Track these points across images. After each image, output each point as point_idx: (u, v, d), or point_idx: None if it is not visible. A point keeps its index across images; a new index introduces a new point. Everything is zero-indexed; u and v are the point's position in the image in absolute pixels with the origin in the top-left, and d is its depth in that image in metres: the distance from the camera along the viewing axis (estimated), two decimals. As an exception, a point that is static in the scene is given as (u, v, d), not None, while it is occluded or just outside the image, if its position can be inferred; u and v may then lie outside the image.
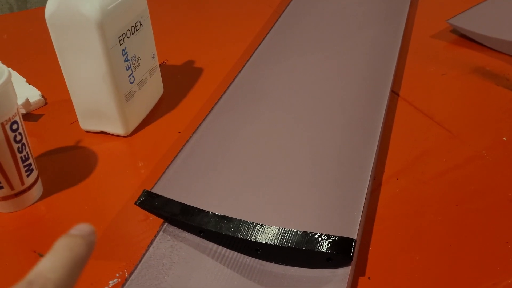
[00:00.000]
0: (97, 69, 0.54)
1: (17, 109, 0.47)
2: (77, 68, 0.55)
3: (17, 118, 0.46)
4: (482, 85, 0.66)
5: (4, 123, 0.45)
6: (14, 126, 0.46)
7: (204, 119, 0.56)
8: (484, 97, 0.64)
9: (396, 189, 0.50)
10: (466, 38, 0.78)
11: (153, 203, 0.45)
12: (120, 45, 0.55)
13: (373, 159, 0.49)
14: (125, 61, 0.56)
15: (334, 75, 0.64)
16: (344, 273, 0.40)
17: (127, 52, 0.56)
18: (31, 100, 0.65)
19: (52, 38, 0.53)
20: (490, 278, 0.41)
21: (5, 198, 0.49)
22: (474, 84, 0.67)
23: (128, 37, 0.56)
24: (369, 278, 0.41)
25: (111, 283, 0.42)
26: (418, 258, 0.43)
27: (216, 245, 0.43)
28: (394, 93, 0.65)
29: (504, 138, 0.56)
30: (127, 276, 0.41)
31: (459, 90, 0.66)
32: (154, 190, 0.46)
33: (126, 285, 0.39)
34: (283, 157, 0.50)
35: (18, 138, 0.47)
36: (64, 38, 0.53)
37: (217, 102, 0.59)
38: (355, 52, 0.69)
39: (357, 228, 0.42)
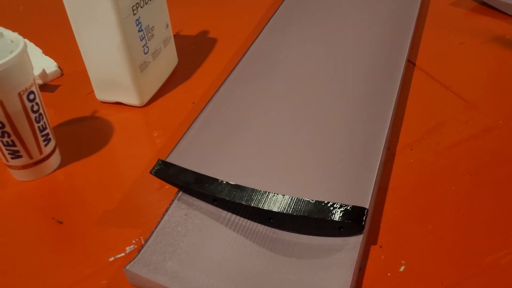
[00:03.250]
0: (111, 40, 0.54)
1: (34, 80, 0.47)
2: (92, 39, 0.55)
3: (33, 88, 0.47)
4: (502, 54, 0.65)
5: (21, 93, 0.45)
6: (31, 96, 0.47)
7: (217, 89, 0.56)
8: (503, 66, 0.63)
9: (410, 159, 0.50)
10: (486, 6, 0.76)
11: (167, 172, 0.46)
12: (134, 15, 0.55)
13: (387, 129, 0.49)
14: (139, 31, 0.56)
15: (349, 45, 0.64)
16: (355, 241, 0.40)
17: (140, 22, 0.56)
18: (48, 71, 0.66)
19: (66, 9, 0.53)
20: (502, 247, 0.41)
21: (24, 166, 0.50)
22: (493, 53, 0.65)
23: (141, 7, 0.56)
24: (380, 246, 0.42)
25: (127, 249, 0.43)
26: (430, 228, 0.43)
27: (229, 214, 0.44)
28: (411, 63, 0.64)
29: (523, 108, 0.55)
30: (143, 242, 0.42)
31: (477, 60, 0.65)
32: (169, 160, 0.47)
33: (142, 251, 0.40)
34: (297, 127, 0.50)
35: (35, 108, 0.48)
36: (78, 9, 0.53)
37: (230, 73, 0.59)
38: (372, 22, 0.68)
39: (370, 198, 0.42)
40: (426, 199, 0.46)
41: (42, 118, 0.49)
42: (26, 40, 0.74)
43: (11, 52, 0.44)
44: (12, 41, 0.46)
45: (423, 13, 0.75)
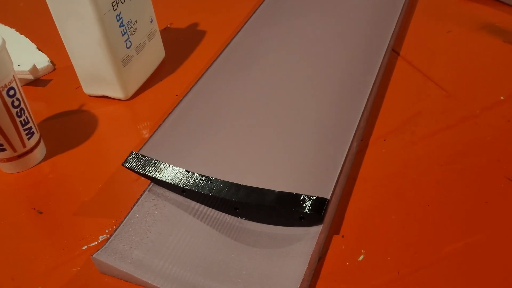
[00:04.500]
0: (93, 35, 0.56)
1: (14, 76, 0.49)
2: (74, 35, 0.57)
3: (13, 85, 0.49)
4: (489, 43, 0.64)
5: (1, 89, 0.47)
6: (11, 92, 0.49)
7: (195, 83, 0.58)
8: (488, 55, 0.62)
9: (382, 150, 0.50)
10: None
11: (138, 164, 0.47)
12: (114, 10, 0.56)
13: (358, 120, 0.49)
14: (120, 26, 0.58)
15: (332, 35, 0.64)
16: (316, 231, 0.41)
17: (122, 17, 0.58)
18: (40, 66, 0.68)
19: (48, 5, 0.55)
20: (462, 237, 0.41)
21: (9, 159, 0.52)
22: (480, 41, 0.65)
23: (122, 2, 0.57)
24: (342, 236, 0.42)
25: (100, 238, 0.45)
26: (393, 218, 0.43)
27: (198, 204, 0.45)
28: (395, 52, 0.64)
29: (502, 97, 0.55)
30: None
31: (463, 48, 0.64)
32: (142, 152, 0.48)
33: (110, 240, 0.42)
34: (270, 119, 0.51)
35: (16, 103, 0.50)
36: (60, 5, 0.55)
37: (209, 67, 0.60)
38: (357, 12, 0.68)
39: (332, 189, 0.42)
40: (394, 189, 0.46)
41: (24, 113, 0.51)
42: (22, 36, 0.77)
43: (-11, 49, 0.46)
44: (-8, 39, 0.48)
45: (413, 2, 0.74)
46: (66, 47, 0.59)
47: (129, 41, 0.60)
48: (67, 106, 0.63)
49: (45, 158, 0.55)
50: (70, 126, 0.60)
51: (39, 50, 0.73)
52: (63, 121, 0.61)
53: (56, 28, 0.57)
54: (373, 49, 0.60)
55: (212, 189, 0.44)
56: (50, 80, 0.69)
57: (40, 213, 0.49)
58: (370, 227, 0.43)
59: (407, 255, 0.40)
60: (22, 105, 0.51)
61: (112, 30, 0.56)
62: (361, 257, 0.41)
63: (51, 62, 0.71)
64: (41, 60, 0.70)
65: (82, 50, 0.58)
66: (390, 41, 0.62)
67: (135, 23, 0.60)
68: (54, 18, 0.56)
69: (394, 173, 0.48)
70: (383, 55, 0.59)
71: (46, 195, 0.51)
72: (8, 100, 0.49)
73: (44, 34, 0.78)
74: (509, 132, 0.50)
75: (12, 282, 0.42)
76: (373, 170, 0.48)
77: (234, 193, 0.43)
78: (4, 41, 0.47)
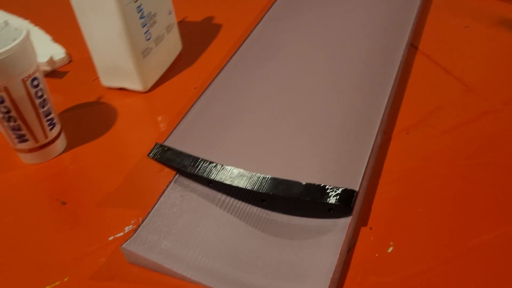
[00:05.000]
0: (114, 27, 0.55)
1: (38, 67, 0.49)
2: (95, 26, 0.57)
3: (37, 75, 0.49)
4: (507, 39, 0.64)
5: (25, 79, 0.47)
6: (35, 82, 0.48)
7: (216, 75, 0.58)
8: (507, 50, 0.62)
9: (406, 143, 0.50)
10: (494, -12, 0.75)
11: (164, 155, 0.47)
12: (135, 2, 0.56)
13: (382, 113, 0.49)
14: (140, 18, 0.57)
15: (351, 29, 0.64)
16: (344, 223, 0.41)
17: (142, 9, 0.57)
18: (56, 58, 0.68)
19: (70, -3, 0.55)
20: (490, 230, 0.41)
21: (31, 150, 0.52)
22: (498, 37, 0.65)
23: (143, -6, 0.57)
24: (370, 228, 0.43)
25: (126, 229, 0.45)
26: (420, 210, 0.44)
27: (224, 195, 0.45)
28: (413, 47, 0.64)
29: (523, 92, 0.55)
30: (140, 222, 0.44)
31: (481, 43, 0.64)
32: (166, 143, 0.48)
33: (138, 230, 0.42)
34: (293, 111, 0.51)
35: (40, 93, 0.49)
36: (81, -4, 0.54)
37: (230, 59, 0.60)
38: (375, 7, 0.68)
39: (360, 181, 0.42)
40: (419, 182, 0.46)
41: (47, 104, 0.51)
42: (37, 27, 0.76)
43: (15, 39, 0.46)
44: (16, 29, 0.48)
45: (429, -3, 0.74)
46: (86, 39, 0.59)
47: (149, 33, 0.60)
48: (85, 98, 0.63)
49: (65, 150, 0.55)
50: (89, 118, 0.60)
51: (54, 42, 0.73)
52: (82, 113, 0.61)
53: (71, 20, 0.57)
54: (393, 43, 0.60)
55: (239, 181, 0.44)
56: (66, 72, 0.68)
57: (64, 203, 0.49)
58: (398, 219, 0.43)
59: (436, 247, 0.40)
60: (45, 96, 0.50)
61: (133, 22, 0.56)
62: (390, 249, 0.41)
63: (67, 54, 0.70)
64: (57, 52, 0.69)
65: (103, 42, 0.58)
66: (409, 34, 0.62)
67: (155, 15, 0.60)
68: (75, 10, 0.56)
69: (418, 166, 0.48)
70: (403, 48, 0.59)
71: (69, 186, 0.51)
72: (32, 91, 0.48)
73: (58, 26, 0.78)
74: (532, 126, 0.50)
75: (39, 273, 0.42)
76: (397, 163, 0.48)
77: (262, 185, 0.43)
78: (28, 32, 0.47)
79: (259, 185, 0.43)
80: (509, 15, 0.68)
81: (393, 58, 0.57)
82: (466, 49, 0.63)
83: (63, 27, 0.78)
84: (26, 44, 0.46)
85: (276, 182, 0.43)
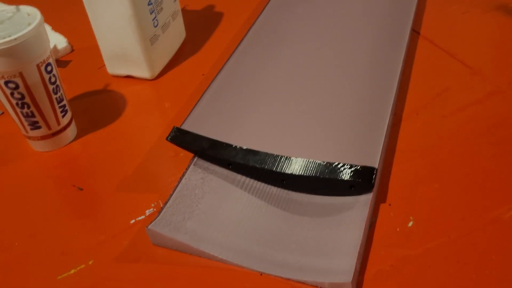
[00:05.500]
0: (123, 13, 0.55)
1: (50, 52, 0.49)
2: (103, 13, 0.56)
3: (51, 60, 0.48)
4: (505, 22, 0.66)
5: (40, 64, 0.47)
6: (49, 68, 0.48)
7: (227, 60, 0.58)
8: (506, 34, 0.64)
9: (416, 123, 0.52)
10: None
11: (183, 138, 0.47)
12: (144, -12, 0.56)
13: (394, 93, 0.50)
14: (148, 4, 0.57)
15: (356, 15, 0.65)
16: (366, 199, 0.42)
17: (150, -5, 0.57)
18: (59, 47, 0.67)
19: (78, -17, 0.54)
20: (505, 203, 0.42)
21: (43, 137, 0.51)
22: (497, 21, 0.66)
23: (151, -20, 0.57)
24: (389, 204, 0.44)
25: (147, 212, 0.45)
26: (437, 186, 0.45)
27: (243, 177, 0.46)
28: (415, 32, 0.65)
29: (525, 73, 0.56)
30: (161, 205, 0.44)
31: (481, 28, 0.66)
32: (183, 127, 0.48)
33: (163, 212, 0.42)
34: (307, 93, 0.52)
35: (53, 79, 0.49)
36: (89, -18, 0.54)
37: (239, 44, 0.60)
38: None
39: (378, 158, 0.43)
40: (433, 160, 0.47)
41: (59, 90, 0.51)
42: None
43: (29, 24, 0.46)
44: (28, 14, 0.47)
45: (427, -16, 0.76)
46: (92, 26, 0.58)
47: (156, 19, 0.59)
48: (92, 86, 0.62)
49: (75, 138, 0.55)
50: (97, 105, 0.59)
51: (55, 31, 0.72)
52: (90, 101, 0.60)
53: (69, 10, 0.57)
54: (397, 28, 0.61)
55: (258, 161, 0.44)
56: (69, 61, 0.68)
57: (81, 189, 0.48)
58: (415, 196, 0.44)
59: (455, 221, 0.41)
60: (58, 82, 0.50)
61: (142, 8, 0.56)
62: (410, 223, 0.42)
63: (69, 43, 0.70)
64: (59, 41, 0.69)
65: (110, 28, 0.58)
66: (412, 20, 0.63)
67: (161, 2, 0.60)
68: (83, -3, 0.56)
69: (430, 145, 0.49)
70: (408, 33, 0.60)
71: (83, 172, 0.51)
72: (46, 76, 0.48)
73: (57, 15, 0.77)
74: (536, 105, 0.52)
75: (62, 257, 0.42)
76: (410, 142, 0.50)
77: (283, 165, 0.44)
78: (42, 17, 0.47)
79: (280, 165, 0.44)
80: (505, 1, 0.70)
81: (399, 42, 0.59)
82: (467, 33, 0.65)
83: (62, 17, 0.77)
84: (40, 29, 0.46)
85: (297, 162, 0.44)
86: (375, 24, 0.62)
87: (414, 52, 0.62)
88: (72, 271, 0.41)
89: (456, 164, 0.47)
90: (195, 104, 0.51)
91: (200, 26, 0.72)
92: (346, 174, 0.42)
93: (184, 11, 0.76)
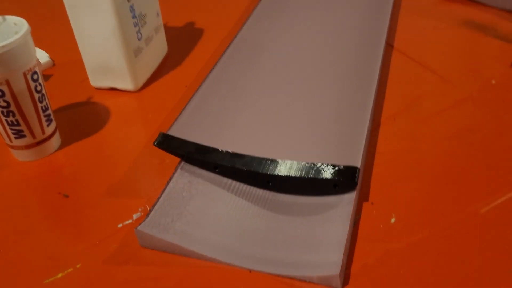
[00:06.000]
0: (107, 25, 0.56)
1: (36, 61, 0.49)
2: (88, 25, 0.57)
3: (37, 69, 0.49)
4: (472, 36, 0.70)
5: (26, 72, 0.47)
6: (35, 76, 0.49)
7: (212, 69, 0.59)
8: (474, 46, 0.68)
9: (394, 128, 0.54)
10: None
11: (170, 143, 0.48)
12: (128, 1, 0.57)
13: (372, 99, 0.53)
14: (132, 17, 0.59)
15: (332, 29, 0.67)
16: (350, 197, 0.43)
17: (134, 9, 0.59)
18: (41, 61, 0.68)
19: (63, -5, 0.56)
20: (481, 199, 0.45)
21: (28, 146, 0.51)
22: (465, 35, 0.70)
23: (134, -6, 0.58)
24: (372, 203, 0.45)
25: (134, 216, 0.46)
26: (416, 185, 0.47)
27: (230, 180, 0.47)
28: (389, 45, 0.69)
29: (493, 81, 0.60)
30: (149, 210, 0.45)
31: (450, 41, 0.69)
32: (170, 133, 0.49)
33: (151, 214, 0.43)
34: (291, 100, 0.54)
35: (39, 88, 0.50)
36: (74, -5, 0.55)
37: (223, 54, 0.62)
38: (351, 9, 0.72)
39: (360, 158, 0.45)
40: (411, 161, 0.49)
41: (45, 99, 0.51)
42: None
43: (16, 33, 0.46)
44: (15, 24, 0.48)
45: (398, 2, 0.79)
46: (76, 38, 0.59)
47: (140, 32, 0.61)
48: (75, 98, 0.63)
49: (59, 148, 0.55)
50: (81, 117, 0.60)
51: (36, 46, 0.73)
52: (73, 112, 0.61)
53: (51, 25, 0.57)
54: (373, 40, 0.64)
55: (244, 164, 0.46)
56: (51, 75, 0.68)
57: (67, 196, 0.48)
58: (396, 194, 0.46)
59: (435, 216, 0.43)
60: (43, 91, 0.51)
61: (126, 21, 0.58)
62: (392, 220, 0.43)
63: (50, 58, 0.70)
64: (41, 56, 0.69)
65: (94, 41, 0.59)
66: (386, 34, 0.66)
67: (145, 16, 0.62)
68: (67, 8, 0.57)
69: (408, 147, 0.51)
70: (383, 43, 0.63)
71: (68, 180, 0.51)
72: (32, 85, 0.48)
73: (38, 31, 0.77)
74: (506, 111, 0.55)
75: (49, 261, 0.42)
76: (389, 145, 0.52)
77: (268, 167, 0.45)
78: (29, 26, 0.48)
79: (265, 167, 0.45)
80: (471, 17, 0.74)
81: (375, 53, 0.61)
82: (437, 46, 0.68)
83: (43, 32, 0.77)
84: (27, 38, 0.47)
85: (282, 164, 0.45)
86: (352, 38, 0.65)
87: (389, 63, 0.65)
88: (60, 275, 0.41)
89: (433, 164, 0.49)
90: (181, 111, 0.52)
91: (181, 41, 0.74)
92: (329, 174, 0.44)
93: (166, 27, 0.78)
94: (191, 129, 0.50)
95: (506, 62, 0.63)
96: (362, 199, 0.46)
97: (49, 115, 0.52)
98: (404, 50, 0.67)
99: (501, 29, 0.70)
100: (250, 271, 0.39)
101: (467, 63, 0.64)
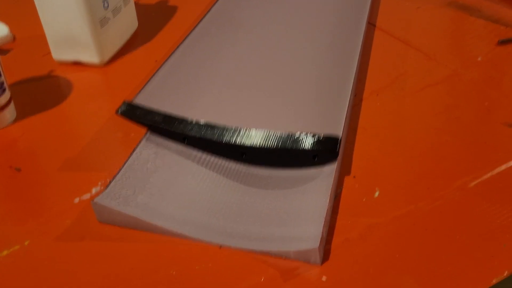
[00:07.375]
0: (70, -9, 0.52)
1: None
2: (49, -10, 0.53)
3: (-13, 30, 0.44)
4: (456, 16, 0.67)
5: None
6: (-15, 38, 0.44)
7: (183, 41, 0.55)
8: (459, 26, 0.65)
9: (377, 103, 0.51)
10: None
11: (134, 112, 0.44)
12: (93, -35, 0.53)
13: (354, 73, 0.49)
14: (98, -16, 0.54)
15: (313, 8, 0.64)
16: (330, 169, 0.40)
17: (100, -26, 0.54)
18: (0, 34, 0.63)
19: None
20: (468, 173, 0.42)
21: (-23, 117, 0.47)
22: (449, 15, 0.68)
23: (101, -41, 0.54)
24: (354, 176, 0.42)
25: (94, 190, 0.41)
26: (400, 160, 0.43)
27: (200, 152, 0.43)
28: (371, 25, 0.66)
29: (479, 58, 0.57)
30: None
31: (434, 21, 0.67)
32: (136, 101, 0.45)
33: (111, 185, 0.38)
34: (268, 72, 0.50)
35: (-11, 51, 0.45)
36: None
37: (195, 27, 0.58)
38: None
39: (342, 128, 0.42)
40: (395, 136, 0.46)
41: (-4, 64, 0.46)
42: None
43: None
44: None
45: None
46: (38, 9, 0.55)
47: (106, 1, 0.56)
48: (35, 72, 0.58)
49: (14, 121, 0.50)
50: (40, 90, 0.55)
51: (-4, 21, 0.68)
52: (31, 86, 0.56)
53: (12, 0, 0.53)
54: (353, 18, 0.61)
55: (216, 135, 0.42)
56: (10, 50, 0.63)
57: (19, 170, 0.44)
58: (380, 169, 0.43)
59: (422, 190, 0.40)
60: (-5, 55, 0.46)
61: (91, -13, 0.53)
62: (376, 193, 0.40)
63: (10, 32, 0.65)
64: (0, 29, 0.64)
65: (57, 11, 0.54)
66: (368, 12, 0.63)
67: (112, -16, 0.57)
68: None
69: (392, 122, 0.48)
70: (364, 21, 0.60)
71: (22, 153, 0.46)
72: (-19, 46, 0.44)
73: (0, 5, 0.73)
74: (493, 87, 0.52)
75: (-7, 239, 0.37)
76: (372, 120, 0.48)
77: (242, 138, 0.41)
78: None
79: (239, 138, 0.41)
80: None
81: (356, 31, 0.58)
82: (421, 26, 0.66)
83: (3, 6, 0.73)
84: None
85: (256, 134, 0.41)
86: (334, 16, 0.62)
87: (371, 42, 0.62)
88: (5, 253, 0.36)
89: (418, 139, 0.46)
90: (149, 80, 0.48)
91: (152, 18, 0.70)
92: (309, 144, 0.40)
93: (137, 4, 0.74)
94: (158, 98, 0.46)
95: (492, 40, 0.60)
96: (344, 172, 0.42)
97: (2, 83, 0.47)
98: (387, 29, 0.64)
99: (486, 9, 0.68)
100: (220, 246, 0.35)
101: (452, 41, 0.62)
